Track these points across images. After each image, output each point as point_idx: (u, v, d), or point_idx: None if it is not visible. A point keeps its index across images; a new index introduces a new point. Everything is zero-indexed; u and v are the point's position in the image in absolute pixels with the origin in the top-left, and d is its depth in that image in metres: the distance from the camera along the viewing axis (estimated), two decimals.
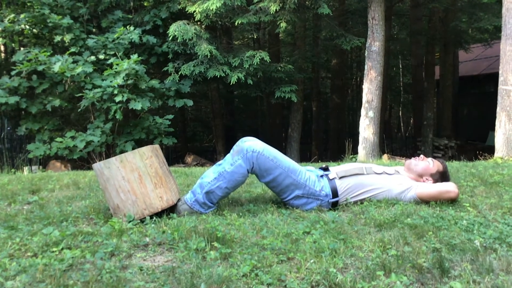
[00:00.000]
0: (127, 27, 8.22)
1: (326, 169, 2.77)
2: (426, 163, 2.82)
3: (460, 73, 16.20)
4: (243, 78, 8.18)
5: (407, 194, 2.68)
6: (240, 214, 2.48)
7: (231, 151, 2.56)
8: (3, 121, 8.00)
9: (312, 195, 2.59)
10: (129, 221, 2.29)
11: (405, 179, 2.77)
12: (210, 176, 2.52)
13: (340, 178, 2.67)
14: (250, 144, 2.50)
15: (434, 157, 3.33)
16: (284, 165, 2.54)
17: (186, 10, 8.22)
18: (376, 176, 2.72)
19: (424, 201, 2.65)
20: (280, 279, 1.60)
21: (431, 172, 2.80)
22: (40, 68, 7.13)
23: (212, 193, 2.48)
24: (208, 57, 8.10)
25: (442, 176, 2.83)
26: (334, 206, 2.66)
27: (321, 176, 2.70)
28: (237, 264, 1.73)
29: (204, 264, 1.73)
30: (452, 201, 2.62)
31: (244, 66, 8.20)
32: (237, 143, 2.56)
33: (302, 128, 11.62)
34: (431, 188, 2.66)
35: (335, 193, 2.63)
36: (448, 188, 2.62)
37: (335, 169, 2.75)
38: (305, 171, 2.64)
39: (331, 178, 2.67)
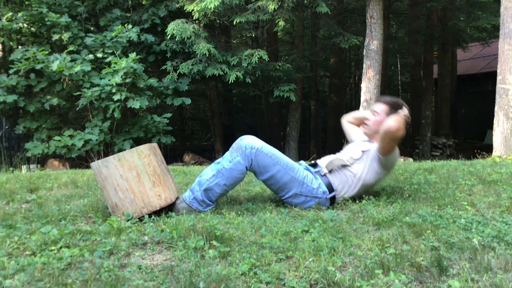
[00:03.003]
0: (125, 25, 8.20)
1: (315, 165, 2.77)
2: (373, 118, 2.77)
3: (458, 72, 16.22)
4: (241, 77, 8.18)
5: (377, 159, 2.65)
6: (239, 212, 2.48)
7: (230, 149, 2.56)
8: (1, 119, 7.98)
9: (310, 193, 2.60)
10: (128, 220, 2.28)
11: (374, 145, 2.74)
12: (208, 173, 2.52)
13: (330, 172, 2.68)
14: (248, 141, 2.51)
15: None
16: (282, 162, 2.54)
17: (184, 8, 8.21)
18: (359, 162, 2.70)
19: (387, 150, 2.59)
20: (278, 278, 1.60)
21: (382, 119, 2.70)
22: (38, 66, 7.11)
23: (210, 191, 2.48)
24: (207, 55, 8.10)
25: (392, 107, 2.73)
26: (332, 201, 2.67)
27: (314, 173, 2.71)
28: (236, 262, 1.73)
29: (202, 262, 1.73)
30: (399, 132, 2.47)
31: (243, 64, 8.19)
32: (236, 141, 2.56)
33: (300, 127, 11.62)
34: (379, 137, 2.61)
35: (330, 188, 2.64)
36: (386, 125, 2.50)
37: (322, 163, 2.75)
38: (303, 169, 2.64)
39: (322, 174, 2.69)
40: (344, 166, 2.70)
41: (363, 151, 2.74)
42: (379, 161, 2.66)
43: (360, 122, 2.99)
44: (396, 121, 2.48)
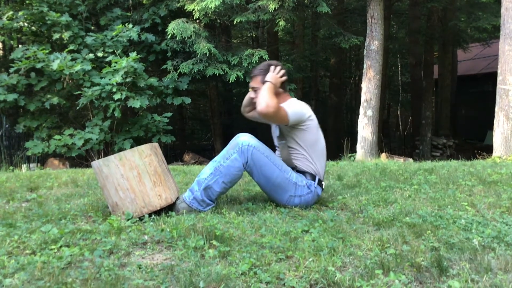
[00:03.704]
0: (126, 24, 8.20)
1: None
2: (256, 95, 2.66)
3: (458, 72, 16.22)
4: (242, 77, 8.17)
5: (288, 127, 2.64)
6: (239, 212, 2.48)
7: (227, 146, 2.56)
8: (1, 118, 7.97)
9: (303, 192, 2.60)
10: (128, 219, 2.28)
11: None
12: (206, 172, 2.52)
13: (296, 166, 2.67)
14: (245, 138, 2.52)
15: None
16: (277, 163, 2.56)
17: (185, 8, 8.20)
18: (287, 137, 2.69)
19: (282, 120, 2.54)
20: (278, 278, 1.60)
21: (258, 94, 2.63)
22: (38, 65, 7.11)
23: (210, 189, 2.48)
24: (207, 55, 8.10)
25: (264, 75, 2.66)
26: (321, 184, 2.68)
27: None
28: (236, 262, 1.73)
29: (202, 262, 1.73)
30: (269, 107, 2.43)
31: (243, 64, 8.19)
32: (232, 139, 2.57)
33: None
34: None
35: (311, 176, 2.64)
36: (257, 110, 2.50)
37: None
38: (293, 171, 2.64)
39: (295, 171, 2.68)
40: (290, 152, 2.68)
41: (277, 125, 2.73)
42: (291, 127, 2.62)
43: (253, 105, 2.91)
44: (262, 101, 2.46)
